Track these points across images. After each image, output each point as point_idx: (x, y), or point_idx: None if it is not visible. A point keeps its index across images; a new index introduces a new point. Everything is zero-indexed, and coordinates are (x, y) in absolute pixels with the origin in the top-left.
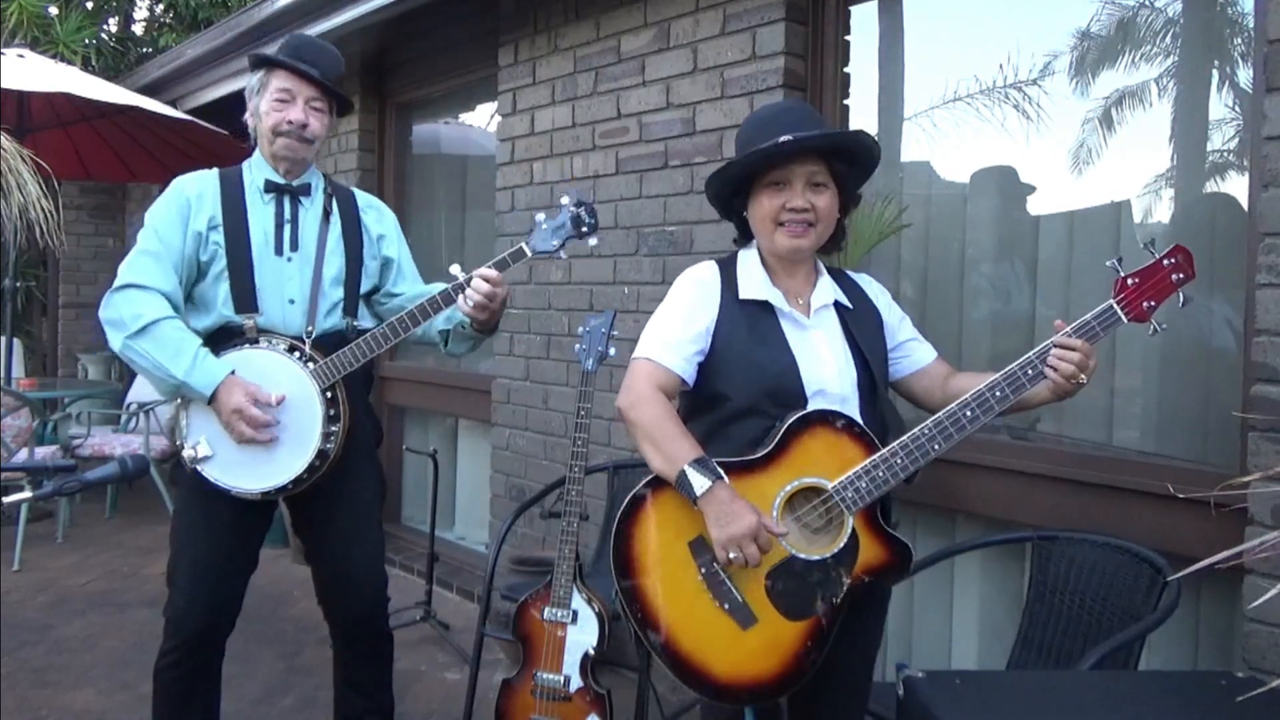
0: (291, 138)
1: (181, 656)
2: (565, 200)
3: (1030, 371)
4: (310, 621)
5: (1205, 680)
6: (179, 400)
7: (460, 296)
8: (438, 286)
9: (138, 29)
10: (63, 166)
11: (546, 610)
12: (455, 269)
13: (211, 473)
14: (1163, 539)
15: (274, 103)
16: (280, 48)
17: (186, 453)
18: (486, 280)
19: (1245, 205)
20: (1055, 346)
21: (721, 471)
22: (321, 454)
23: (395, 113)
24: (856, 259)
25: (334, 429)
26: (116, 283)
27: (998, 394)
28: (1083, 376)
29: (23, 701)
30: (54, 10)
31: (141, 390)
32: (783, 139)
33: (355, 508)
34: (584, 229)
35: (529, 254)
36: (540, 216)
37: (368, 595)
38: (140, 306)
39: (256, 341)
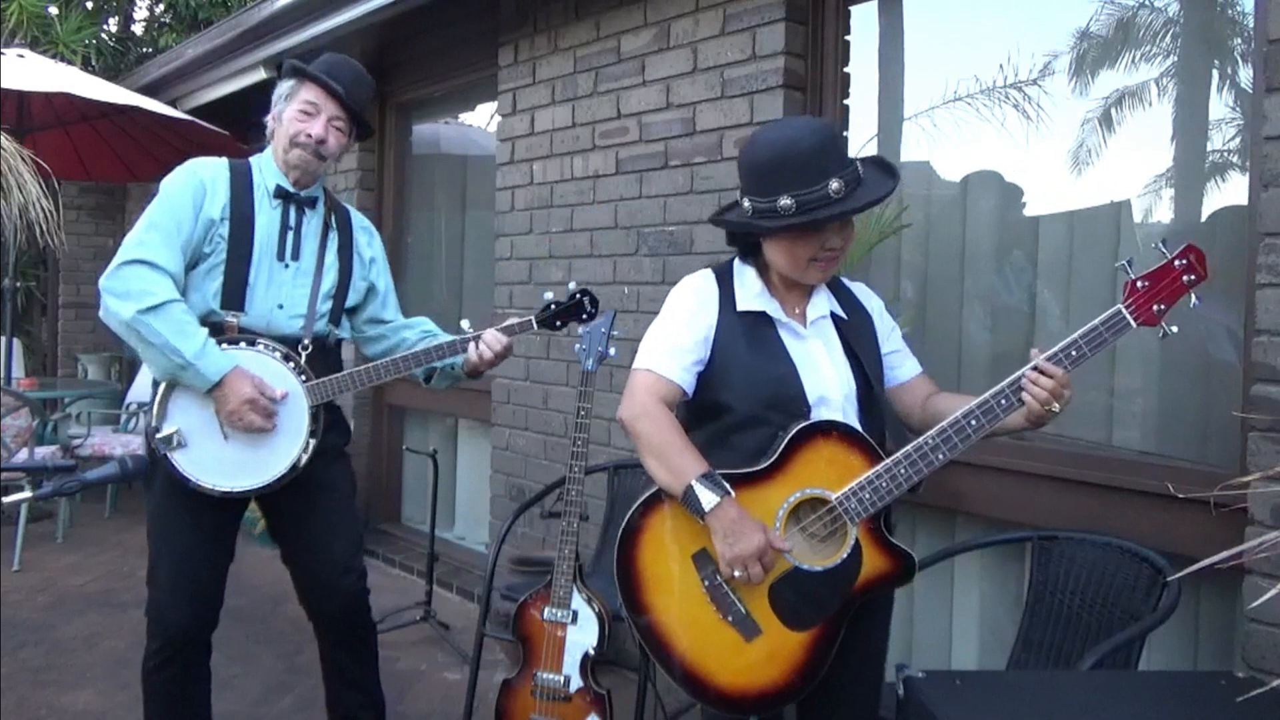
0: (307, 151)
1: (169, 657)
2: (571, 286)
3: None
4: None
5: (1205, 680)
6: (161, 385)
7: (471, 347)
8: (421, 323)
9: (138, 29)
10: (63, 166)
11: (546, 610)
12: (465, 324)
13: (180, 463)
14: (1163, 539)
15: (298, 113)
16: (316, 63)
17: (160, 438)
18: (501, 344)
19: (1245, 205)
20: (1032, 370)
21: (729, 487)
22: (294, 465)
23: (395, 113)
24: (857, 260)
25: (311, 442)
26: (125, 255)
27: (1003, 402)
28: (1055, 405)
29: (23, 701)
30: (54, 10)
31: (141, 390)
32: (837, 209)
33: (330, 503)
34: (584, 316)
35: (535, 327)
36: (549, 295)
37: (347, 587)
38: (152, 285)
39: (254, 343)
